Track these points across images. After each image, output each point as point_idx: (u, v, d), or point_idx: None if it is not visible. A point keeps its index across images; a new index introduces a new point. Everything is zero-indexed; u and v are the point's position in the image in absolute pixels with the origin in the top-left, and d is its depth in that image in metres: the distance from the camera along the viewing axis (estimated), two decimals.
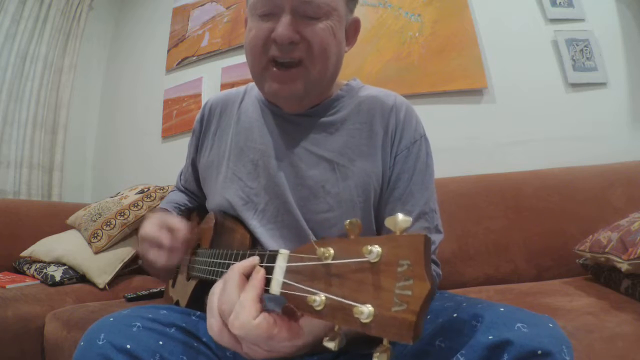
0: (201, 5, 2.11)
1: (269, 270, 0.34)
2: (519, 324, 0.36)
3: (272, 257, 0.34)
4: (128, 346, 0.44)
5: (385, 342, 0.25)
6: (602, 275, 0.96)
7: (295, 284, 0.30)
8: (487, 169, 1.37)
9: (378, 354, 0.25)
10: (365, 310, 0.24)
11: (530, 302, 0.85)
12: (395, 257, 0.24)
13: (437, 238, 0.62)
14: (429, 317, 0.48)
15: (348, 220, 0.28)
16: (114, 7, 2.47)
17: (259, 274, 0.35)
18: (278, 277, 0.32)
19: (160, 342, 0.46)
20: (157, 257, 0.58)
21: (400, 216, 0.25)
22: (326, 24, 0.55)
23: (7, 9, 1.90)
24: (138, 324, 0.47)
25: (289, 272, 0.32)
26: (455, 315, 0.42)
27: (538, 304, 0.82)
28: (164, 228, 0.60)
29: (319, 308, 0.28)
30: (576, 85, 1.46)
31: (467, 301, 0.46)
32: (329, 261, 0.28)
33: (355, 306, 0.25)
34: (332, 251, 0.28)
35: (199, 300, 0.61)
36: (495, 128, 1.50)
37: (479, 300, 0.46)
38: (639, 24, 1.47)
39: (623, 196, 1.17)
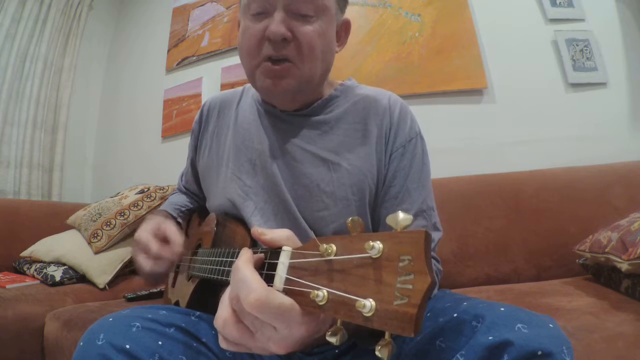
0: (201, 5, 2.11)
1: (272, 267, 0.34)
2: (519, 325, 0.36)
3: (275, 254, 0.34)
4: (127, 346, 0.44)
5: (387, 336, 0.25)
6: (602, 275, 0.96)
7: (298, 280, 0.30)
8: (487, 169, 1.37)
9: (380, 347, 0.25)
10: (368, 304, 0.25)
11: (530, 302, 0.85)
12: (396, 252, 0.25)
13: (436, 236, 0.62)
14: (428, 314, 0.48)
15: (350, 218, 0.29)
16: (114, 7, 2.47)
17: (248, 251, 0.36)
18: (281, 273, 0.32)
19: (160, 342, 0.46)
20: (144, 263, 0.59)
21: (401, 214, 0.25)
22: (316, 25, 0.56)
23: (7, 9, 1.90)
24: (137, 324, 0.47)
25: (292, 268, 0.32)
26: (455, 315, 0.42)
27: (538, 304, 0.82)
28: (157, 234, 0.61)
29: (321, 303, 0.28)
30: (576, 85, 1.46)
31: (468, 301, 0.45)
32: (332, 257, 0.29)
33: (357, 300, 0.25)
34: (334, 247, 0.29)
35: (199, 300, 0.61)
36: (495, 128, 1.50)
37: (479, 300, 0.46)
38: (639, 24, 1.47)
39: (623, 196, 1.17)
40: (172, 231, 0.61)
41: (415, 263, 0.24)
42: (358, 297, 0.25)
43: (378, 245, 0.26)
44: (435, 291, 0.58)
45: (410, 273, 0.24)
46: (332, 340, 0.29)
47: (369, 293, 0.25)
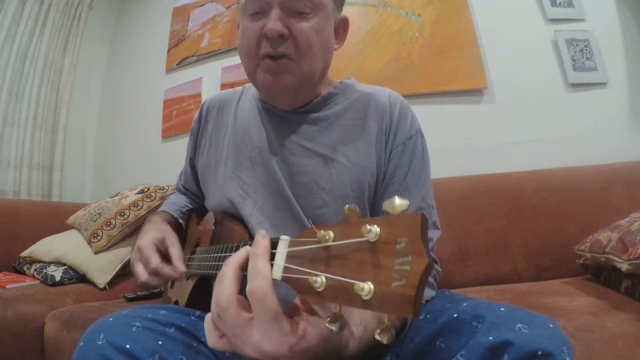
0: (201, 5, 2.11)
1: (271, 257, 0.34)
2: (519, 325, 0.36)
3: (273, 244, 0.34)
4: (127, 346, 0.44)
5: (386, 320, 0.25)
6: (602, 275, 0.96)
7: (297, 268, 0.30)
8: (487, 169, 1.37)
9: (379, 331, 0.26)
10: (366, 287, 0.24)
11: (530, 302, 0.85)
12: (393, 235, 0.25)
13: (435, 234, 0.62)
14: (428, 316, 0.48)
15: (347, 206, 0.29)
16: (114, 7, 2.47)
17: (266, 238, 0.34)
18: (279, 262, 0.32)
19: (160, 342, 0.46)
20: (141, 273, 0.59)
21: (397, 199, 0.25)
22: (313, 22, 0.56)
23: (7, 9, 1.89)
24: (137, 324, 0.47)
25: (290, 257, 0.32)
26: (455, 315, 0.42)
27: (538, 304, 0.82)
28: (159, 247, 0.61)
29: (320, 289, 0.28)
30: (576, 85, 1.46)
31: (468, 301, 0.45)
32: (329, 243, 0.29)
33: (355, 284, 0.25)
34: (331, 234, 0.29)
35: (198, 299, 0.61)
36: (495, 128, 1.50)
37: (479, 300, 0.46)
38: (639, 24, 1.47)
39: (623, 196, 1.17)
40: (175, 249, 0.60)
41: (412, 245, 0.24)
42: (356, 281, 0.25)
43: (375, 229, 0.25)
44: (434, 293, 0.58)
45: (407, 255, 0.24)
46: (332, 327, 0.28)
47: (367, 276, 0.25)
